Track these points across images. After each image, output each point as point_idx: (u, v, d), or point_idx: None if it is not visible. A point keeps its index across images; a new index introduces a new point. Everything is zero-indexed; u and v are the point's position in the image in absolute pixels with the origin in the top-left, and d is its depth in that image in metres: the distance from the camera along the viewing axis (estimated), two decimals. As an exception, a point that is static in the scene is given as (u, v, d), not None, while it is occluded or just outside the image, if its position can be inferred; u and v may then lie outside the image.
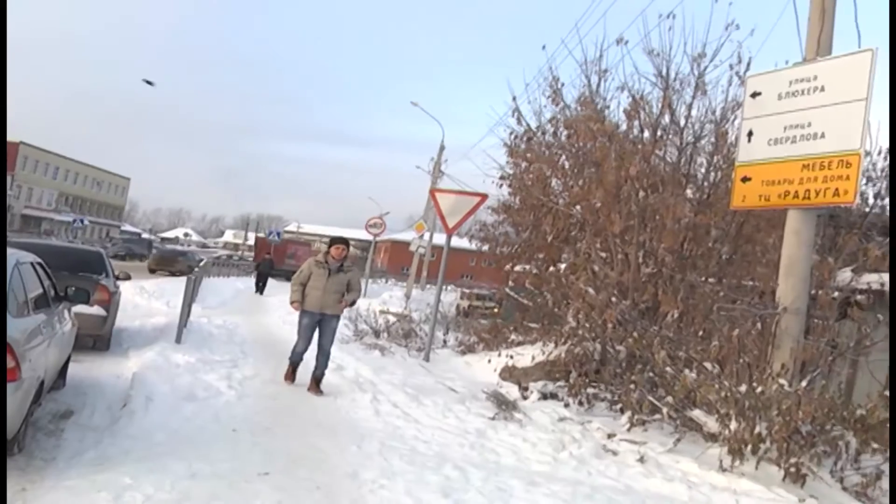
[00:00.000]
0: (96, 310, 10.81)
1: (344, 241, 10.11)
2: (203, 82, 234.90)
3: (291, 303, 10.09)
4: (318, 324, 9.93)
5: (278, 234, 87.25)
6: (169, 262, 42.87)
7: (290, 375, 10.16)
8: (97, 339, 11.29)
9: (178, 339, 12.24)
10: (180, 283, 18.26)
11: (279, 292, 28.60)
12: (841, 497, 6.60)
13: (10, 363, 5.05)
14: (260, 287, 32.12)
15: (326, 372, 9.96)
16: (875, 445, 6.89)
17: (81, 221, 65.69)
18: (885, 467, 6.74)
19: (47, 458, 6.02)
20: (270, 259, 35.16)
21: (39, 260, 7.39)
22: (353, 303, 10.40)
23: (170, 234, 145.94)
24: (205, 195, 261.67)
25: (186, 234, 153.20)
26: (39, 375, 6.02)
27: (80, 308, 9.26)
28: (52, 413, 7.32)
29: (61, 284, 8.03)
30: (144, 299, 20.18)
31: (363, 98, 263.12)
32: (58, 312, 7.44)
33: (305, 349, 10.08)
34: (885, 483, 6.65)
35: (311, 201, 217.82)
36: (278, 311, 20.89)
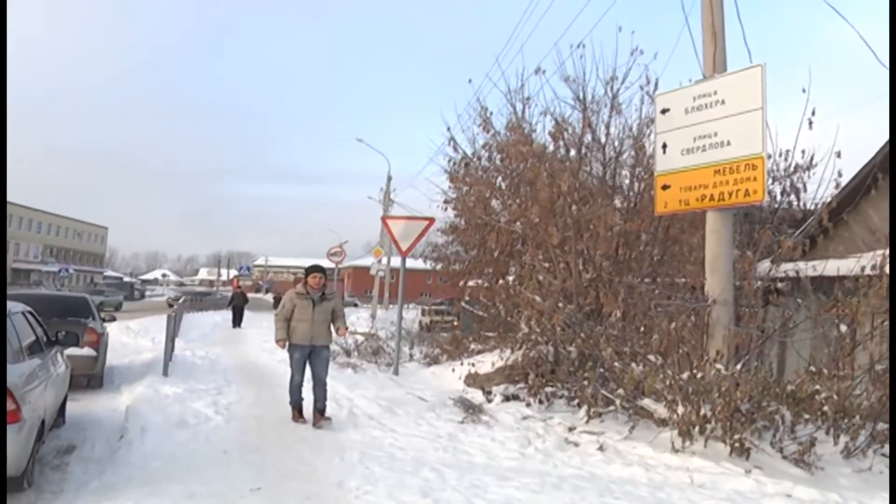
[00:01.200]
0: (87, 351, 10.65)
1: (320, 270, 9.35)
2: (166, 131, 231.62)
3: (277, 341, 9.07)
4: (308, 356, 8.98)
5: (248, 268, 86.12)
6: (195, 302, 42.92)
7: (298, 417, 8.96)
8: (90, 377, 11.07)
9: (165, 372, 12.03)
10: (163, 320, 17.88)
11: (255, 324, 28.16)
12: (782, 465, 6.62)
13: (10, 406, 4.97)
14: (237, 321, 31.51)
15: (307, 395, 9.12)
16: (806, 416, 6.94)
17: (67, 270, 64.39)
18: (818, 435, 6.81)
19: (56, 490, 5.89)
20: (243, 293, 34.53)
21: (29, 309, 7.22)
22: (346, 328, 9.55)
23: (149, 277, 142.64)
24: (178, 237, 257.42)
25: (164, 275, 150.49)
26: (40, 415, 5.91)
27: (72, 350, 9.06)
28: (55, 449, 7.16)
29: (52, 329, 7.88)
30: (131, 338, 19.82)
31: (314, 137, 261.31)
32: (51, 356, 7.29)
33: (302, 380, 8.97)
34: (819, 448, 6.71)
35: (275, 236, 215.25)
36: (256, 340, 20.59)
